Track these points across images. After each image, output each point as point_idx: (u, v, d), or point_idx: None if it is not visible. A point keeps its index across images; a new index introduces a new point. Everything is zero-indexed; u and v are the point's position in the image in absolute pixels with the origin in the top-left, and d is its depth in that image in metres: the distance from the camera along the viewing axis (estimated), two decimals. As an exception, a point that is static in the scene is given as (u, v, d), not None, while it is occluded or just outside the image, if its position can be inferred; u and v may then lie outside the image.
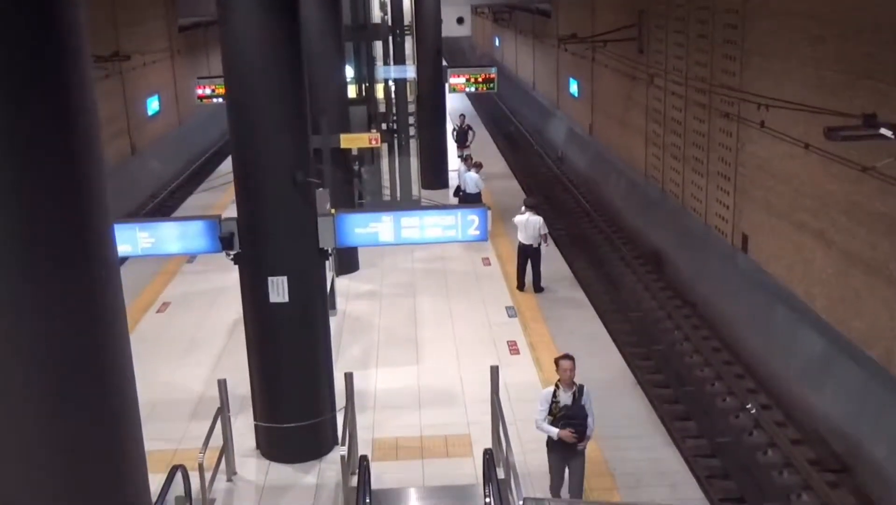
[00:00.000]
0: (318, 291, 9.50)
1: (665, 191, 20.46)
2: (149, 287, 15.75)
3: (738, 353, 14.83)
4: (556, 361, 8.44)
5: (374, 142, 15.12)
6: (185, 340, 13.20)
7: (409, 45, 22.26)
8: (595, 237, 21.43)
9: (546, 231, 14.36)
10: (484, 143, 26.29)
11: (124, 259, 12.42)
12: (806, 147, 12.49)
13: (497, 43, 48.70)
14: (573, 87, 30.11)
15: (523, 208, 14.60)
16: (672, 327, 16.01)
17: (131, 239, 9.38)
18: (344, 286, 14.95)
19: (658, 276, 18.42)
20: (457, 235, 9.47)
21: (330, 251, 9.52)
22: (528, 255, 14.37)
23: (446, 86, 21.12)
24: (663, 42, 20.31)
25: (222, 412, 9.35)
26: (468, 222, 9.42)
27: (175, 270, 16.58)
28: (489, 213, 9.28)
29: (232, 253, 9.33)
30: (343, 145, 14.90)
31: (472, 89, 21.16)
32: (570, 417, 8.26)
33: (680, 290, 17.44)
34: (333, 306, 13.61)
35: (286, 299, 9.18)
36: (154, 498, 7.64)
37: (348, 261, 15.98)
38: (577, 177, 26.80)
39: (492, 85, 20.91)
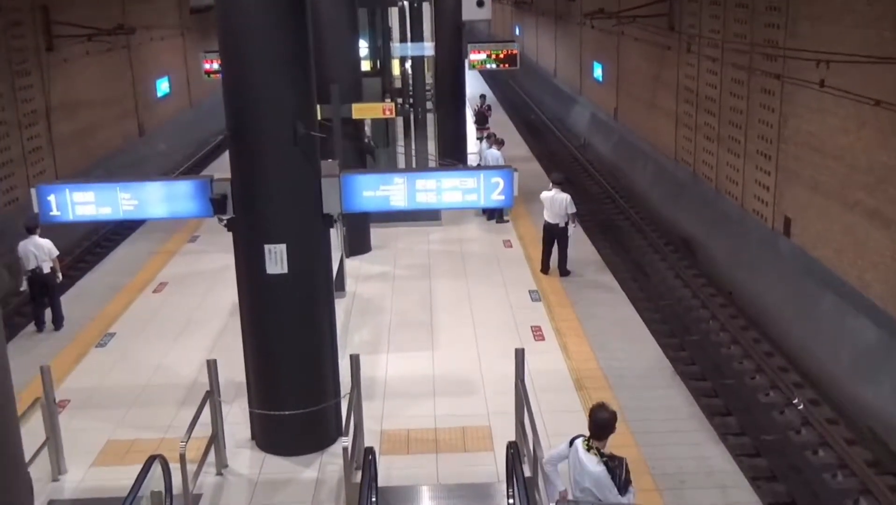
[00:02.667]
0: (322, 262, 8.68)
1: (697, 174, 19.84)
2: (146, 266, 15.05)
3: (781, 344, 13.98)
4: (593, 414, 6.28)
5: (388, 112, 14.31)
6: (180, 321, 12.55)
7: (426, 20, 21.50)
8: (621, 223, 20.98)
9: (574, 210, 13.72)
10: (504, 128, 25.74)
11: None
12: (877, 104, 11.30)
13: (517, 31, 47.98)
14: (597, 72, 29.70)
15: (550, 185, 13.96)
16: (707, 316, 15.31)
17: (112, 201, 8.44)
18: (354, 268, 14.46)
19: (690, 263, 17.84)
20: (478, 200, 8.58)
21: (336, 217, 8.66)
22: (554, 235, 13.83)
23: (466, 62, 20.15)
24: (697, 17, 19.33)
25: (212, 397, 8.40)
26: (492, 185, 8.54)
27: (175, 250, 15.96)
28: (516, 175, 8.28)
29: (225, 218, 8.40)
30: (355, 115, 14.20)
31: (493, 66, 20.19)
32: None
33: (714, 277, 16.84)
34: (342, 288, 13.05)
35: (285, 270, 8.32)
36: (126, 492, 6.64)
37: (359, 241, 15.37)
38: (602, 163, 26.52)
39: (514, 62, 19.85)
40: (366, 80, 15.93)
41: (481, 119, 24.29)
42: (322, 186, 8.39)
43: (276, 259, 8.30)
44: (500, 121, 26.98)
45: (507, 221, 16.88)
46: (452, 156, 17.02)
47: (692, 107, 19.98)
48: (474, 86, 34.29)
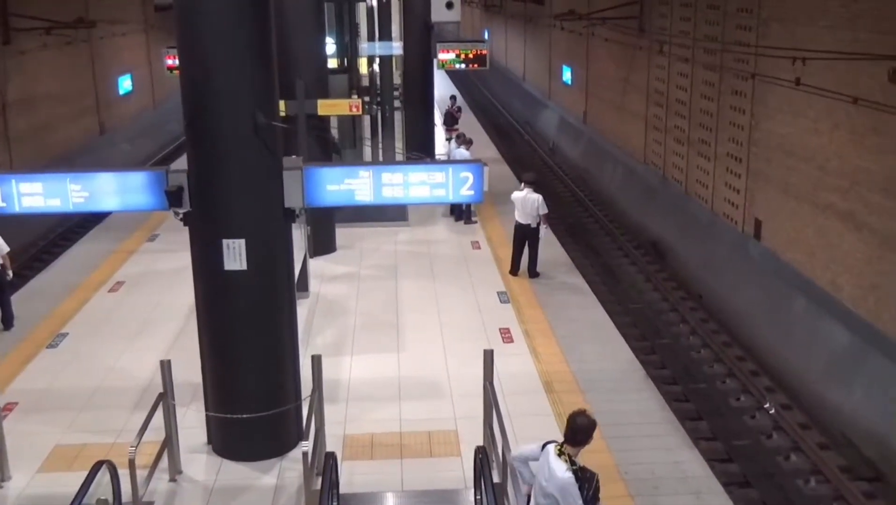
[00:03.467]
0: (283, 259, 8.39)
1: (667, 177, 19.77)
2: (103, 265, 14.66)
3: (752, 348, 13.85)
4: (573, 420, 6.01)
5: (354, 109, 14.08)
6: (136, 322, 12.20)
7: (395, 19, 21.36)
8: (591, 226, 20.93)
9: (546, 211, 13.61)
10: (473, 130, 25.69)
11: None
12: (854, 102, 11.15)
13: (486, 35, 47.94)
14: (566, 75, 29.74)
15: (522, 185, 13.86)
16: (677, 320, 15.21)
17: (61, 192, 8.05)
18: (318, 268, 14.20)
19: (660, 266, 17.75)
20: (447, 195, 8.32)
21: (298, 212, 8.39)
22: (524, 235, 13.70)
23: (434, 61, 20.00)
24: (668, 18, 19.26)
25: (165, 399, 8.02)
26: (461, 180, 8.29)
27: (134, 249, 15.57)
28: (486, 169, 8.04)
29: (181, 211, 8.07)
30: (321, 112, 13.93)
31: (462, 66, 20.04)
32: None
33: (684, 281, 16.75)
34: (305, 288, 12.93)
35: (243, 266, 8.03)
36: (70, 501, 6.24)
37: (324, 241, 15.11)
38: (571, 167, 26.52)
39: (483, 62, 19.72)
40: (332, 77, 15.67)
41: (450, 120, 24.15)
42: (284, 179, 8.12)
43: (235, 254, 7.98)
44: (469, 123, 26.96)
45: (476, 223, 16.78)
46: (419, 154, 16.78)
47: (662, 109, 19.93)
48: (442, 88, 34.30)
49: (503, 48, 43.34)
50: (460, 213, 16.94)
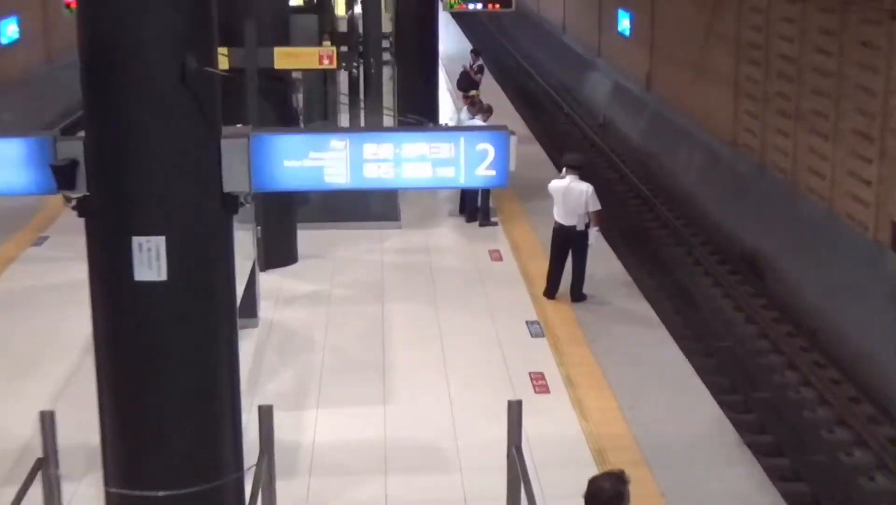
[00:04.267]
0: (221, 268, 8.18)
1: (765, 165, 19.89)
2: None
3: (889, 406, 13.79)
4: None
5: (326, 61, 14.17)
6: (13, 358, 12.23)
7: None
8: (657, 232, 21.37)
9: (598, 207, 13.71)
10: (493, 100, 25.62)
11: None
12: None
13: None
14: (623, 24, 30.13)
15: (563, 171, 14.02)
16: (781, 364, 15.32)
17: None
18: (272, 285, 14.35)
19: (755, 289, 17.94)
20: (457, 178, 8.05)
21: (243, 200, 8.20)
22: (567, 243, 13.85)
23: (440, 1, 20.74)
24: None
25: (46, 467, 7.80)
26: (477, 155, 7.99)
27: (13, 256, 15.64)
28: (513, 139, 7.91)
29: (74, 196, 7.83)
30: (278, 64, 13.93)
31: (478, 6, 20.95)
32: None
33: (790, 309, 16.95)
34: (253, 313, 13.03)
35: (162, 276, 7.75)
36: None
37: (281, 248, 15.18)
38: (629, 151, 27.01)
39: (507, 2, 20.45)
40: (296, 18, 15.61)
41: (467, 82, 24.23)
42: (222, 152, 7.90)
43: (150, 259, 7.73)
44: (490, 90, 27.32)
45: (496, 224, 16.96)
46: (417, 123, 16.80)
47: (759, 70, 19.92)
48: (450, 43, 34.85)
49: None
50: (474, 209, 17.04)
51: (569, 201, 13.64)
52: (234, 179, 7.97)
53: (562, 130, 29.49)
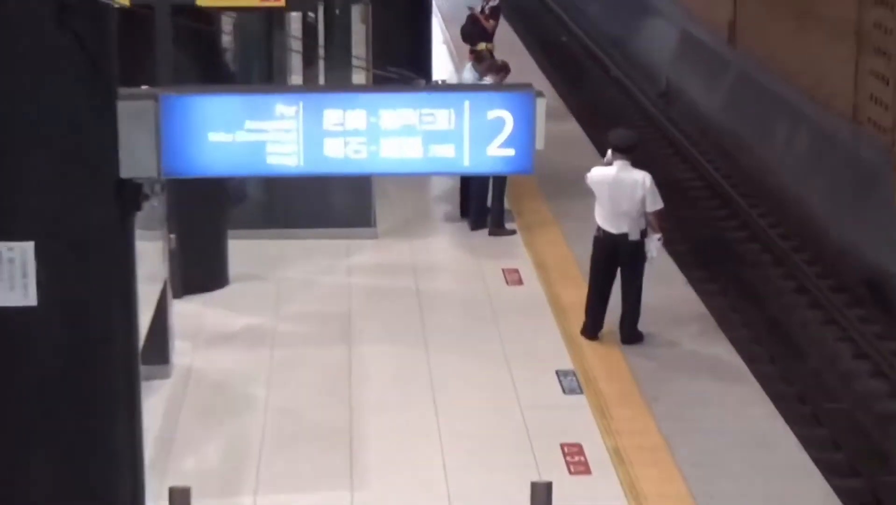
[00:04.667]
0: (115, 290, 8.26)
1: None
2: None
3: None
4: None
5: None
6: None
7: None
8: (744, 248, 21.37)
9: (660, 205, 13.81)
10: (513, 57, 25.91)
11: None
12: None
13: None
14: None
15: (609, 154, 14.05)
16: None
17: None
18: (192, 318, 14.52)
19: (884, 327, 17.71)
20: (460, 160, 8.07)
21: (149, 191, 8.46)
22: (616, 256, 13.97)
23: None
24: None
25: None
26: (488, 127, 8.07)
27: None
28: (542, 102, 8.02)
29: None
30: (202, 2, 13.93)
31: None
32: None
33: None
34: (164, 357, 13.18)
35: (30, 301, 7.83)
36: None
37: (205, 265, 15.45)
38: (703, 129, 26.95)
39: None
40: None
41: (475, 32, 24.32)
42: (119, 121, 8.01)
43: (13, 275, 7.80)
44: (506, 44, 27.40)
45: (513, 232, 17.12)
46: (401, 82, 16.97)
47: (893, 13, 19.83)
48: None
49: None
50: (481, 211, 17.15)
51: (618, 198, 13.65)
52: (135, 161, 8.02)
53: (607, 102, 29.41)
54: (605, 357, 13.60)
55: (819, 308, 18.51)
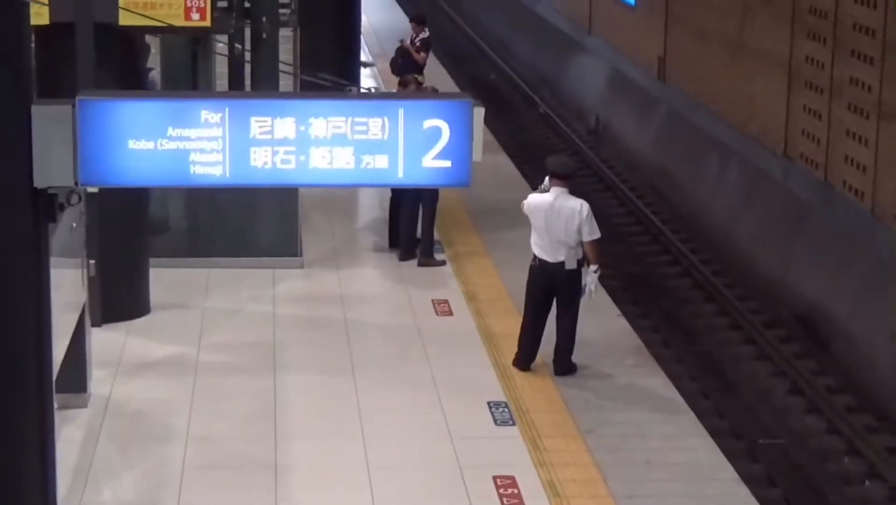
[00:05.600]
0: (28, 313, 8.19)
1: (832, 185, 19.80)
2: None
3: None
4: None
5: (196, 14, 14.17)
6: None
7: None
8: (675, 283, 21.44)
9: (597, 234, 13.78)
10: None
11: None
12: None
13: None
14: None
15: (545, 181, 13.94)
16: (861, 471, 15.06)
17: None
18: (111, 346, 14.46)
19: (819, 363, 17.73)
20: (393, 171, 8.15)
21: (65, 201, 8.33)
22: (552, 287, 13.90)
23: None
24: None
25: None
26: (424, 136, 8.08)
27: None
28: (479, 112, 8.09)
29: None
30: (126, 20, 14.00)
31: None
32: None
33: (869, 392, 16.80)
34: (82, 387, 13.10)
35: None
36: None
37: (126, 292, 15.33)
38: (633, 166, 27.20)
39: None
40: None
41: (404, 63, 24.29)
42: (33, 125, 7.88)
43: None
44: (437, 79, 27.37)
45: (443, 263, 17.12)
46: None
47: (825, 47, 19.91)
48: (378, 13, 34.82)
49: None
50: (410, 241, 17.12)
51: (555, 226, 13.52)
52: (50, 169, 7.93)
53: (536, 138, 29.55)
54: (539, 388, 13.54)
55: (752, 344, 18.55)
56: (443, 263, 16.81)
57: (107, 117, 7.91)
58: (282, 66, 18.61)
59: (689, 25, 25.87)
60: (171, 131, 7.92)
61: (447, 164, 8.04)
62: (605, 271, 16.36)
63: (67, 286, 11.84)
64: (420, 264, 16.76)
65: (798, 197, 20.69)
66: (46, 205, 8.00)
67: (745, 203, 22.36)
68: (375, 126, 7.97)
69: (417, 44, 24.80)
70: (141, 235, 15.08)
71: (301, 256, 16.83)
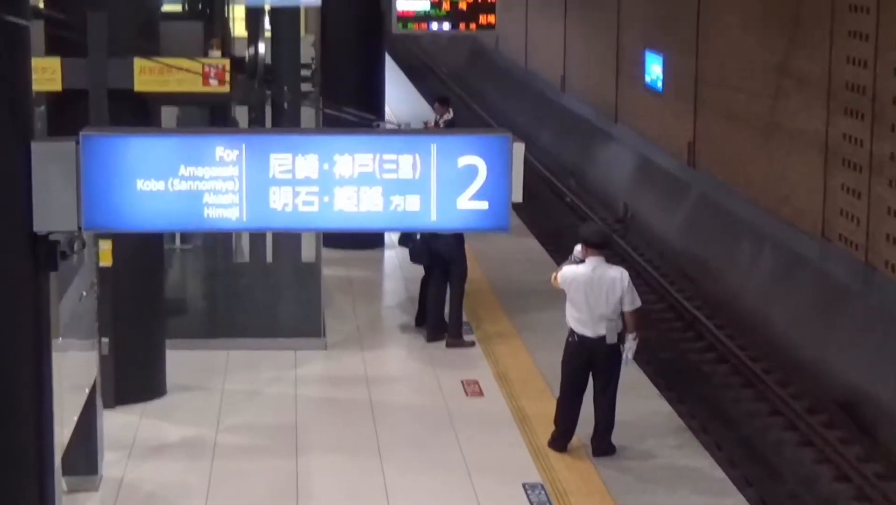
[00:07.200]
0: (27, 387, 7.83)
1: (873, 266, 19.68)
2: None
3: None
4: None
5: (214, 80, 13.96)
6: None
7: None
8: (712, 369, 21.33)
9: (638, 303, 13.47)
10: None
11: None
12: None
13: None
14: (653, 72, 30.42)
15: (578, 250, 13.71)
16: None
17: None
18: (125, 428, 14.34)
19: (865, 449, 17.44)
20: (426, 214, 7.88)
21: (67, 248, 7.97)
22: (591, 362, 13.70)
23: (390, 19, 21.01)
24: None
25: None
26: (459, 176, 7.80)
27: None
28: (519, 148, 7.90)
29: None
30: (141, 84, 13.90)
31: (447, 27, 21.06)
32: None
33: None
34: (93, 469, 12.87)
35: None
36: None
37: (142, 372, 15.06)
38: (663, 252, 27.45)
39: (487, 15, 20.74)
40: (170, 26, 15.65)
41: None
42: (34, 164, 7.64)
43: None
44: None
45: (472, 344, 16.91)
46: None
47: (863, 123, 19.79)
48: (399, 99, 35.87)
49: (519, 30, 44.34)
50: (438, 321, 16.94)
51: (594, 298, 13.29)
52: (51, 212, 7.73)
53: (564, 226, 29.68)
54: (576, 469, 13.37)
55: (794, 430, 18.33)
56: (472, 343, 16.65)
57: (113, 155, 7.63)
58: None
59: (719, 108, 25.97)
60: (182, 170, 7.63)
61: (484, 205, 7.80)
62: (639, 357, 16.06)
63: (77, 363, 11.55)
64: (448, 345, 16.58)
65: (837, 279, 20.57)
66: (47, 252, 7.74)
67: (781, 287, 22.19)
68: (406, 164, 7.71)
69: (441, 125, 24.65)
70: (157, 314, 14.94)
71: (324, 336, 16.69)
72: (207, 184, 7.64)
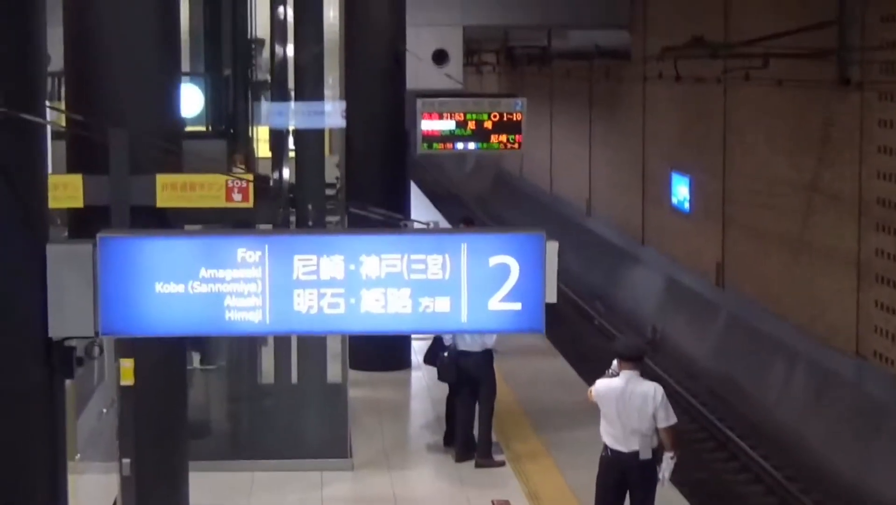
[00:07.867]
0: (39, 477, 7.60)
1: None
2: None
3: None
4: None
5: (238, 195, 13.72)
6: None
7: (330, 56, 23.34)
8: (748, 489, 21.37)
9: (674, 420, 13.19)
10: None
11: None
12: None
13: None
14: (680, 193, 30.69)
15: (614, 365, 13.49)
16: None
17: None
18: None
19: None
20: (456, 316, 7.74)
21: (85, 354, 8.26)
22: (626, 479, 13.33)
23: (414, 137, 20.97)
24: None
25: None
26: (491, 274, 7.66)
27: None
28: (553, 246, 7.74)
29: None
30: (163, 200, 13.62)
31: (473, 146, 20.89)
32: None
33: None
34: None
35: None
36: None
37: (165, 495, 14.33)
38: (694, 374, 27.28)
39: (515, 134, 20.70)
40: (193, 144, 15.93)
41: None
42: (49, 268, 7.55)
43: None
44: None
45: (502, 464, 16.68)
46: None
47: (895, 239, 19.71)
48: (418, 213, 35.22)
49: (544, 155, 44.89)
50: (467, 441, 16.71)
51: (627, 413, 13.03)
52: (67, 317, 7.58)
53: (593, 349, 29.84)
54: None
55: None
56: (502, 463, 16.44)
57: (131, 258, 7.52)
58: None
59: (748, 228, 26.11)
60: (203, 272, 7.52)
61: (517, 306, 7.63)
62: (673, 476, 15.86)
63: (96, 484, 11.55)
64: (478, 465, 16.37)
65: (874, 396, 20.46)
66: (62, 358, 7.52)
67: (815, 406, 22.13)
68: (435, 264, 7.58)
69: None
70: (180, 434, 14.53)
71: (351, 457, 16.51)
72: (229, 286, 7.53)
